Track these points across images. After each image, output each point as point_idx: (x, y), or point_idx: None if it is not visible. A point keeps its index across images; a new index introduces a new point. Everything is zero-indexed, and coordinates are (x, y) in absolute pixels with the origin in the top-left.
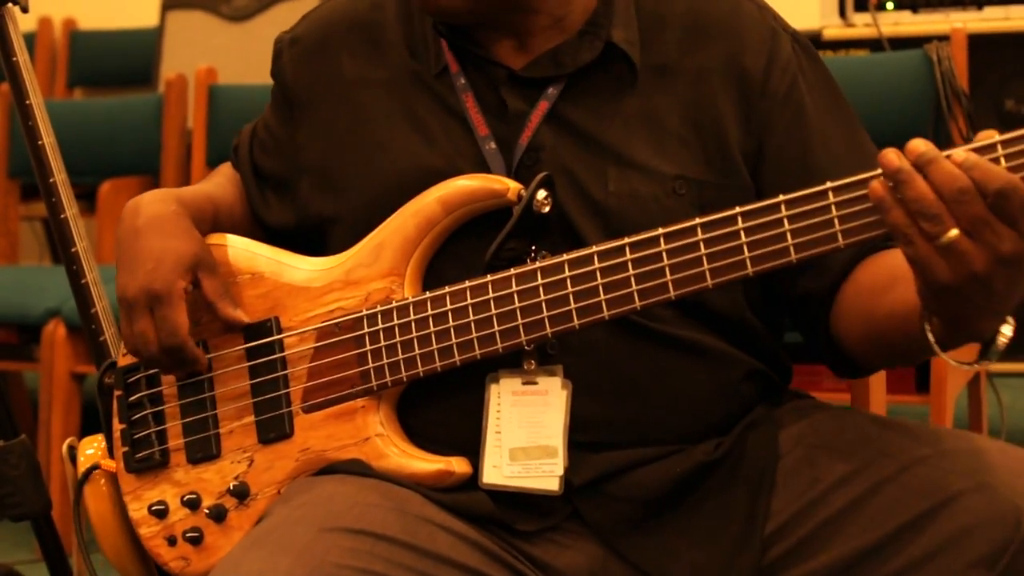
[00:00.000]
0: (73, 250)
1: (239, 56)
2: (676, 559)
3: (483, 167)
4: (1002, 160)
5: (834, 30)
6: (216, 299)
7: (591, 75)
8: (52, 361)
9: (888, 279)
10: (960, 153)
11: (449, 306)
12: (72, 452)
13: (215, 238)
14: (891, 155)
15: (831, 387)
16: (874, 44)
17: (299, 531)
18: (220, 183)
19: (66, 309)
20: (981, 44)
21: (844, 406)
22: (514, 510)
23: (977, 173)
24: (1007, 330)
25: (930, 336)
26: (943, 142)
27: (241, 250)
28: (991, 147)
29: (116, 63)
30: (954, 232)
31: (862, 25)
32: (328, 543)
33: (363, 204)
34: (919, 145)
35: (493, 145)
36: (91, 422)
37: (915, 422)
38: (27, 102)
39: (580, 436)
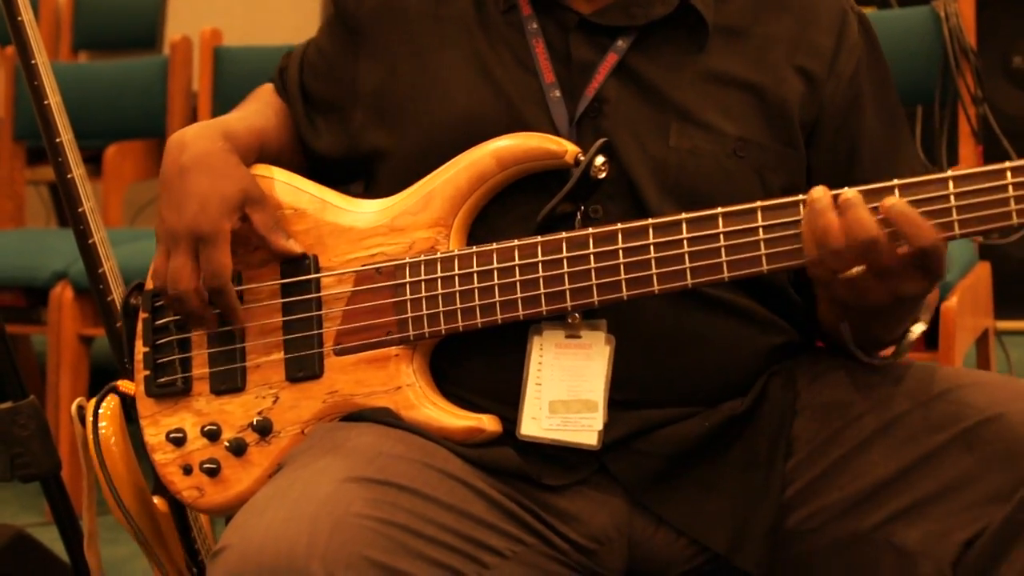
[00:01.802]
0: (80, 210)
1: (244, 18)
2: (700, 511)
3: (545, 113)
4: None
5: None
6: (267, 232)
7: (661, 30)
8: (59, 324)
9: None
10: (893, 202)
11: (496, 264)
12: (81, 412)
13: (260, 169)
14: (818, 190)
15: None
16: (882, 1)
17: (323, 480)
18: (261, 111)
19: (73, 272)
20: (989, 0)
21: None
22: (541, 464)
23: (906, 227)
24: (917, 329)
25: (847, 337)
26: (951, 98)
27: (285, 184)
28: (931, 193)
29: (120, 26)
30: (857, 269)
31: None
32: (351, 493)
33: (417, 142)
34: (846, 192)
35: (558, 93)
36: (99, 384)
37: (930, 364)
38: (32, 61)
39: (617, 394)
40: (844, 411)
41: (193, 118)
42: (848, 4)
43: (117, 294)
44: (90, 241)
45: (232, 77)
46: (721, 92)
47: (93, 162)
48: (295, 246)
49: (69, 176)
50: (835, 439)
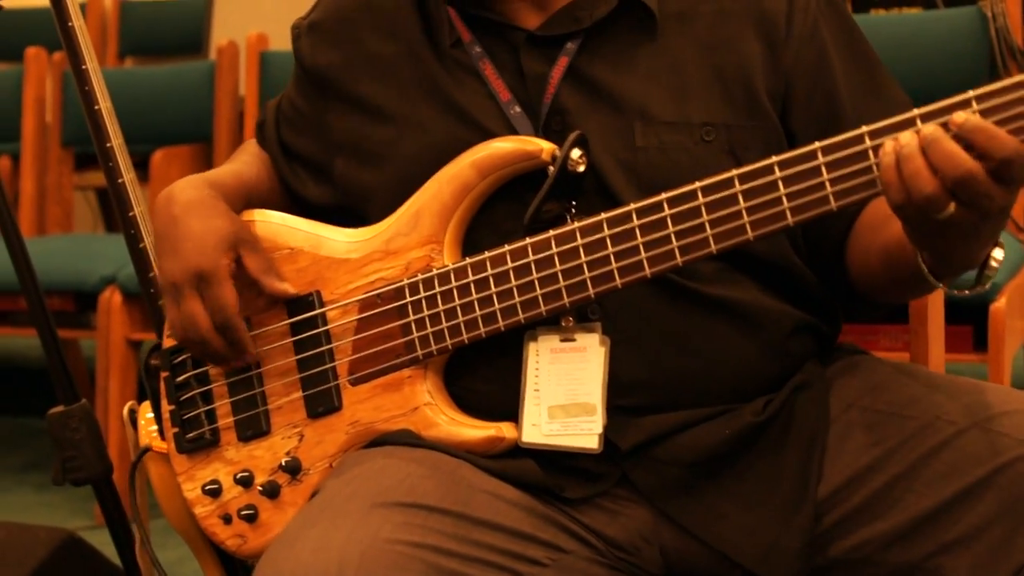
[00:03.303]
0: (131, 214)
1: (288, 23)
2: (726, 522)
3: (510, 130)
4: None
5: None
6: (260, 274)
7: (608, 28)
8: (108, 328)
9: (883, 215)
10: (964, 117)
11: (490, 271)
12: (133, 415)
13: (249, 214)
14: (906, 135)
15: (888, 346)
16: (927, 1)
17: (351, 507)
18: (247, 162)
19: (122, 276)
20: None
21: (892, 361)
22: (563, 476)
23: (981, 138)
24: (998, 253)
25: (924, 268)
26: None
27: (278, 224)
28: (995, 106)
29: (166, 32)
30: (951, 208)
31: None
32: (380, 518)
33: (398, 178)
34: (925, 128)
35: (518, 109)
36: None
37: (967, 380)
38: (83, 67)
39: (623, 400)
40: (883, 437)
41: (240, 123)
42: None
43: None
44: (141, 245)
45: (278, 82)
46: (678, 79)
47: (140, 167)
48: (287, 287)
49: (120, 181)
50: (876, 468)
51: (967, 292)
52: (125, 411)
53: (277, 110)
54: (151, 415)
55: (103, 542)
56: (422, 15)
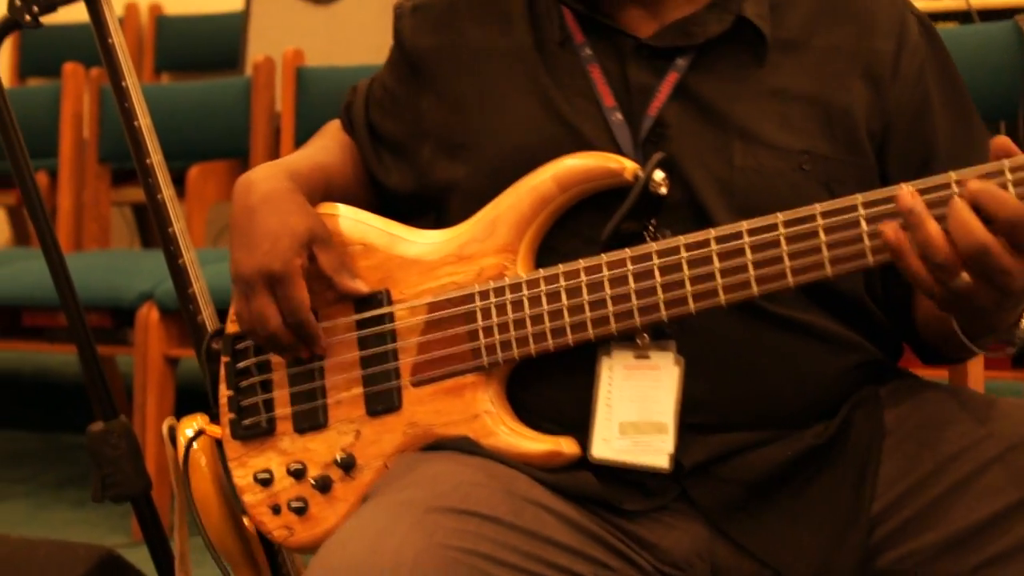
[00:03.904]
0: (170, 230)
1: (325, 39)
2: (783, 541)
3: (609, 137)
4: (1010, 187)
5: (923, 2)
6: (333, 272)
7: (719, 48)
8: (146, 344)
9: None
10: (975, 184)
11: (563, 284)
12: (172, 432)
13: (326, 207)
14: (905, 194)
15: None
16: (963, 16)
17: (405, 511)
18: (327, 147)
19: (159, 292)
20: None
21: (944, 384)
22: (621, 489)
23: (991, 205)
24: None
25: (957, 329)
26: None
27: (352, 220)
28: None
29: (202, 48)
30: (964, 278)
31: None
32: (434, 523)
33: (484, 173)
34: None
35: (619, 116)
36: (185, 405)
37: (1016, 400)
38: (123, 84)
39: (692, 417)
40: (935, 452)
41: (276, 139)
42: (907, 7)
43: (207, 314)
44: (180, 261)
45: (315, 98)
46: (783, 106)
47: (176, 183)
48: (361, 285)
49: (159, 197)
50: (927, 481)
51: (1012, 350)
52: (165, 428)
53: (368, 92)
54: (190, 431)
55: (140, 559)
56: (529, 10)
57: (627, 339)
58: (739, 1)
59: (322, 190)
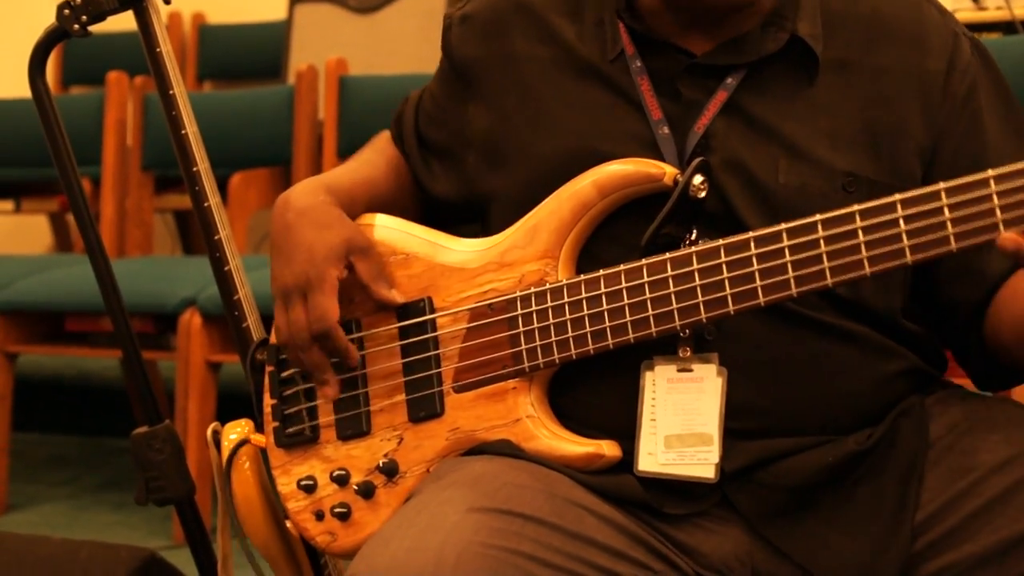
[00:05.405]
0: (216, 237)
1: (367, 48)
2: (824, 548)
3: (654, 150)
4: None
5: (966, 13)
6: (370, 281)
7: (771, 66)
8: (188, 350)
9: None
10: None
11: (603, 289)
12: (216, 437)
13: (366, 218)
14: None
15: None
16: (1007, 27)
17: (448, 510)
18: (372, 160)
19: (202, 298)
20: None
21: (988, 395)
22: (663, 494)
23: None
24: None
25: None
26: None
27: (394, 230)
28: None
29: (244, 57)
30: None
31: (994, 8)
32: (477, 523)
33: (525, 182)
34: None
35: (666, 130)
36: (226, 410)
37: None
38: (171, 92)
39: (734, 423)
40: (978, 463)
41: (319, 147)
42: (959, 28)
43: (252, 320)
44: (226, 268)
45: (357, 106)
46: (831, 126)
47: (218, 191)
48: (396, 296)
49: (206, 204)
50: (969, 492)
51: None
52: (209, 432)
53: (418, 102)
54: (234, 436)
55: (181, 562)
56: (576, 23)
57: (669, 350)
58: (794, 20)
59: (364, 202)
